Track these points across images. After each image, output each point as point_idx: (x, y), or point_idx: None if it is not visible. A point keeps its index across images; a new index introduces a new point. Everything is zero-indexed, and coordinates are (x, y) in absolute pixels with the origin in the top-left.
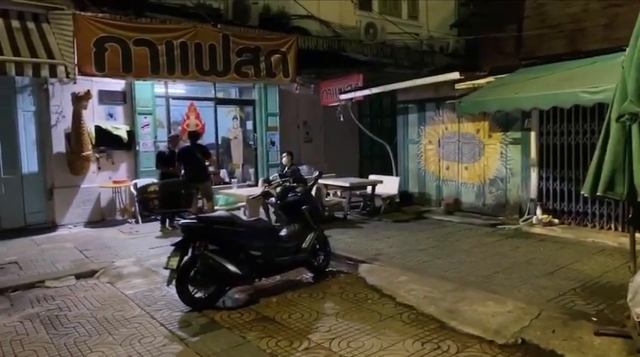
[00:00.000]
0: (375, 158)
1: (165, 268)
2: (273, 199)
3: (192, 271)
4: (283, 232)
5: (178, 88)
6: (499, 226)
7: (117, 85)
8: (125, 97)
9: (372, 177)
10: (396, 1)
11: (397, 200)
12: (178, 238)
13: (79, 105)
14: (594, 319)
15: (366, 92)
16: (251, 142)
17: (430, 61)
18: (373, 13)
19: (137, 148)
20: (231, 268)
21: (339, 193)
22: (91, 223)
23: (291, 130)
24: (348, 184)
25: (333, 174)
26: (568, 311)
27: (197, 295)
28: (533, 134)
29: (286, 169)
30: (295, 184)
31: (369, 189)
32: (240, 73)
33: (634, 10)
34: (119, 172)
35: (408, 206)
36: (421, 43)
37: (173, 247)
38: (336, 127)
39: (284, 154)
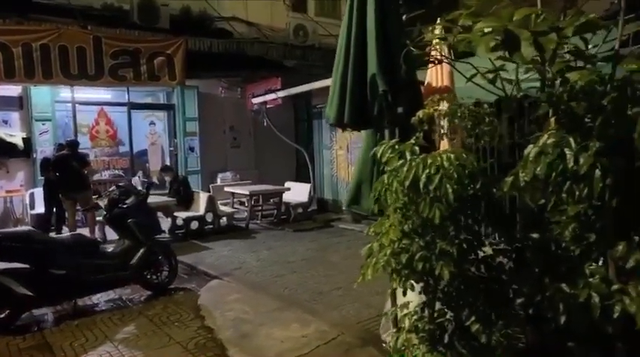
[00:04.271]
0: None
1: None
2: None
3: None
4: (110, 248)
5: (86, 92)
6: None
7: (12, 90)
8: (22, 103)
9: (288, 184)
10: (335, 3)
11: (312, 208)
12: None
13: None
14: (384, 345)
15: (273, 96)
16: (171, 148)
17: None
18: (308, 15)
19: (35, 156)
20: (19, 290)
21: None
22: None
23: (215, 135)
24: (247, 192)
25: (249, 181)
26: (367, 335)
27: None
28: None
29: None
30: (124, 196)
31: (285, 196)
32: (115, 77)
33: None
34: (14, 181)
35: (321, 214)
36: None
37: None
38: (269, 133)
39: (163, 174)
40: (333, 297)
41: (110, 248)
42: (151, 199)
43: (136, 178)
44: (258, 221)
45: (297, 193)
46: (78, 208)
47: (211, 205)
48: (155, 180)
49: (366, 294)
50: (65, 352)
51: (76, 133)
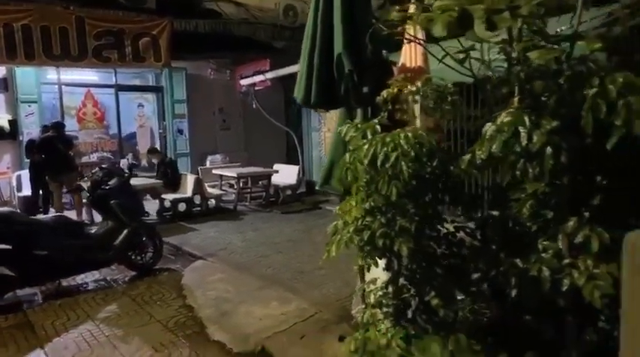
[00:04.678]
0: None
1: None
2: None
3: None
4: (93, 230)
5: (72, 74)
6: None
7: None
8: (7, 85)
9: (276, 166)
10: None
11: (301, 190)
12: None
13: None
14: (353, 321)
15: (261, 78)
16: (161, 131)
17: None
18: None
19: (21, 138)
20: (1, 270)
21: (241, 184)
22: None
23: (204, 117)
24: (235, 175)
25: (239, 163)
26: (344, 312)
27: None
28: None
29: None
30: (106, 178)
31: (274, 178)
32: (100, 58)
33: None
34: (1, 163)
35: (310, 196)
36: None
37: None
38: (259, 115)
39: (150, 156)
40: (315, 276)
41: (93, 229)
42: (139, 181)
43: (125, 160)
44: (247, 203)
45: (285, 175)
46: (64, 190)
47: (199, 187)
48: (144, 162)
49: (346, 273)
50: (46, 330)
51: (63, 115)
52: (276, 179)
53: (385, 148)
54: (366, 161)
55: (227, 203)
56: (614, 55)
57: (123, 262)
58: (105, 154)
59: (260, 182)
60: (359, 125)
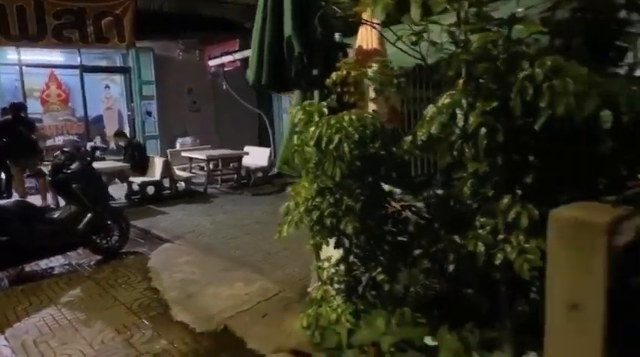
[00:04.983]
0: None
1: None
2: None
3: None
4: (56, 214)
5: (34, 54)
6: None
7: None
8: None
9: (247, 148)
10: None
11: (273, 172)
12: None
13: None
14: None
15: (230, 58)
16: (129, 113)
17: None
18: None
19: None
20: None
21: (211, 166)
22: None
23: (174, 99)
24: (205, 157)
25: (209, 146)
26: (305, 291)
27: None
28: None
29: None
30: (68, 161)
31: (244, 161)
32: (60, 38)
33: None
34: None
35: (281, 178)
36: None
37: None
38: (230, 96)
39: (116, 139)
40: (281, 257)
41: (56, 214)
42: (105, 165)
43: (92, 143)
44: (218, 186)
45: (257, 157)
46: (28, 173)
47: (167, 170)
48: (112, 145)
49: (310, 254)
50: (7, 316)
51: (25, 97)
52: (247, 161)
53: (329, 131)
54: (312, 143)
55: (197, 186)
56: (557, 38)
57: (88, 246)
58: (71, 137)
59: (231, 164)
60: (307, 107)
